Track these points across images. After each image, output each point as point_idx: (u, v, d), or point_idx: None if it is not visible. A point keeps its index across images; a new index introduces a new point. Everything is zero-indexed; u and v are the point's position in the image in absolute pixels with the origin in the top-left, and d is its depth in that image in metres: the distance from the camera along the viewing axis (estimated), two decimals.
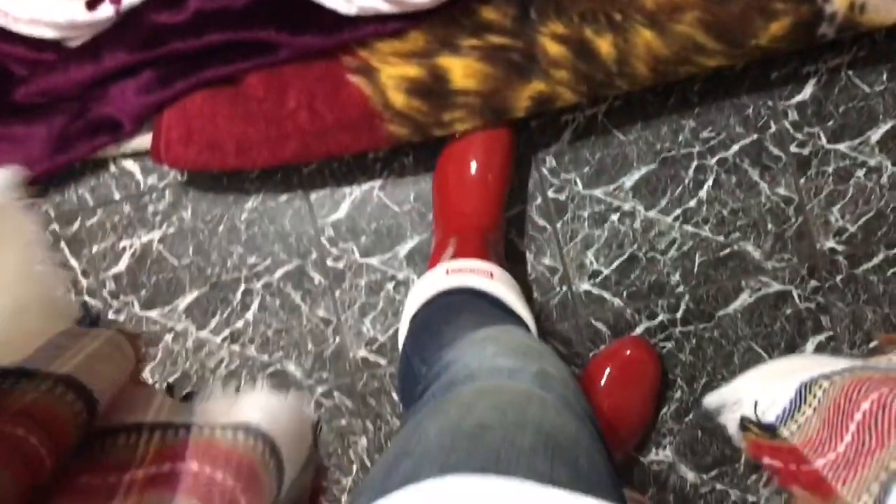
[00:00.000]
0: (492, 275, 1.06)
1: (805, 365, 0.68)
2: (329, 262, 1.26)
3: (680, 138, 1.24)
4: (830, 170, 1.24)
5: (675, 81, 1.16)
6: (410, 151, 1.25)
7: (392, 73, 1.10)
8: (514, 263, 1.24)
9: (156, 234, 1.27)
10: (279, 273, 1.27)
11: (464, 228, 1.15)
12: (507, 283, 1.07)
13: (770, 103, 1.24)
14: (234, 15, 1.09)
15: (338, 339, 1.26)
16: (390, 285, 1.26)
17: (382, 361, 1.26)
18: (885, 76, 1.24)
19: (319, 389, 1.26)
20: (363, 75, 1.10)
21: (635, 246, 1.24)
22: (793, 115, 1.24)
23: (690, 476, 1.25)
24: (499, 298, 1.03)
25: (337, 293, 1.26)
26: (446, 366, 0.72)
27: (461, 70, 1.08)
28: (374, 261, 1.26)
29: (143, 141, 1.17)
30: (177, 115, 1.12)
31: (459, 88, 1.09)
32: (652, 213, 1.24)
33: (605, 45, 1.09)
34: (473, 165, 1.16)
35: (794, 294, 1.24)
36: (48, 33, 1.08)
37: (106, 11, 1.08)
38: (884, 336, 1.13)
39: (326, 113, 1.12)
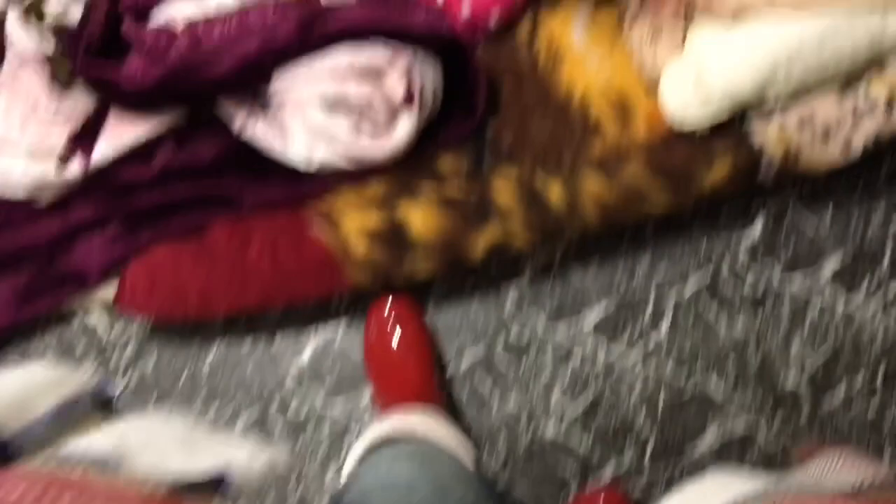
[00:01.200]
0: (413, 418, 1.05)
1: (725, 486, 0.68)
2: (292, 408, 1.26)
3: (636, 277, 1.27)
4: (786, 305, 1.26)
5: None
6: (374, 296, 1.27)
7: (353, 224, 1.13)
8: (477, 410, 1.24)
9: (119, 386, 1.26)
10: (241, 420, 1.26)
11: (394, 402, 1.16)
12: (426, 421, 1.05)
13: (722, 239, 1.28)
14: (201, 169, 1.14)
15: (300, 490, 1.24)
16: (354, 432, 1.25)
17: None
18: (830, 208, 1.28)
19: None
20: (325, 225, 1.14)
21: (598, 387, 1.25)
22: (745, 251, 1.27)
23: None
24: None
25: (299, 440, 1.25)
26: None
27: (420, 221, 1.12)
28: (336, 408, 1.25)
29: (108, 292, 1.18)
30: (141, 267, 1.14)
31: (418, 239, 1.12)
32: (613, 354, 1.26)
33: (555, 193, 1.14)
34: (389, 339, 1.19)
35: (760, 434, 1.23)
36: (19, 194, 1.12)
37: (75, 168, 1.12)
38: (800, 450, 1.13)
39: (289, 262, 1.15)
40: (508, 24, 1.23)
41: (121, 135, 1.13)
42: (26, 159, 1.12)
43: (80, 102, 1.14)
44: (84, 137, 1.13)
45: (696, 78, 1.11)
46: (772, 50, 1.08)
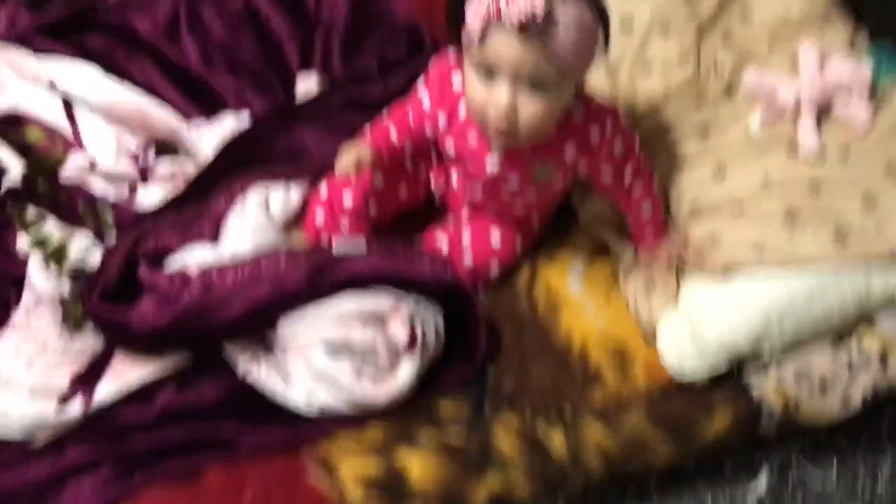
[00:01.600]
0: None
1: None
2: None
3: None
4: None
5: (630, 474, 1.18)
6: None
7: (351, 471, 1.11)
8: None
9: None
10: None
11: None
12: None
13: (727, 493, 1.24)
14: (199, 412, 1.13)
15: None
16: None
17: None
18: (835, 462, 1.27)
19: None
20: (322, 472, 1.11)
21: None
22: None
23: None
24: None
25: None
26: None
27: (418, 469, 1.10)
28: None
29: None
30: None
31: (417, 488, 1.10)
32: None
33: (556, 442, 1.13)
34: None
35: None
36: (15, 434, 1.11)
37: (75, 409, 1.12)
38: None
39: None
40: (508, 273, 1.28)
41: (124, 376, 1.13)
42: (27, 398, 1.12)
43: (87, 343, 1.16)
44: (87, 378, 1.13)
45: (692, 331, 1.14)
46: (764, 305, 1.12)
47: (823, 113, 1.24)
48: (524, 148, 1.11)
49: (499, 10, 0.94)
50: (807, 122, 1.22)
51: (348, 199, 1.25)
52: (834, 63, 1.25)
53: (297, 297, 1.11)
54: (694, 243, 1.19)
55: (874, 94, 1.24)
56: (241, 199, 1.24)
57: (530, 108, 1.01)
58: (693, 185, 1.24)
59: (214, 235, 1.22)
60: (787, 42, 1.31)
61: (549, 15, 0.94)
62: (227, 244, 1.20)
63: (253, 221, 1.21)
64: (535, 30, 0.95)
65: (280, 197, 1.27)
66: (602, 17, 1.01)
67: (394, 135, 1.19)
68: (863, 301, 1.14)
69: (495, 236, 1.25)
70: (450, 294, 1.18)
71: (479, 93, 1.02)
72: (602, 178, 1.16)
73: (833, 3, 1.33)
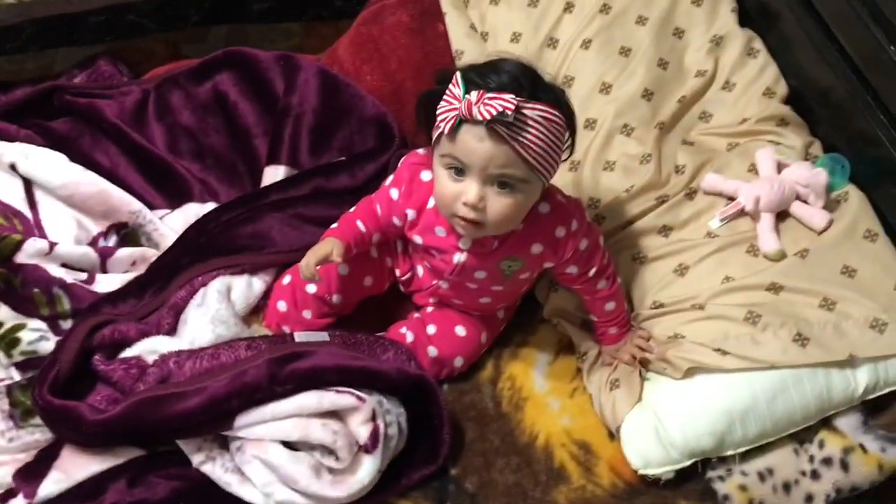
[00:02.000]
0: None
1: None
2: None
3: None
4: None
5: None
6: None
7: None
8: None
9: None
10: None
11: None
12: None
13: None
14: None
15: None
16: None
17: None
18: None
19: None
20: None
21: None
22: None
23: None
24: None
25: None
26: None
27: None
28: None
29: None
30: None
31: None
32: None
33: None
34: None
35: None
36: None
37: None
38: None
39: None
40: (472, 366, 1.27)
41: (72, 472, 1.08)
42: None
43: (34, 437, 1.12)
44: (32, 474, 1.08)
45: (656, 429, 1.14)
46: (727, 404, 1.12)
47: (782, 215, 1.28)
48: (491, 244, 1.12)
49: (470, 109, 0.96)
50: (766, 223, 1.25)
51: (312, 288, 1.24)
52: (791, 167, 1.29)
53: (257, 391, 1.07)
54: (657, 342, 1.19)
55: (829, 198, 1.28)
56: (202, 291, 1.22)
57: (498, 204, 1.02)
58: (655, 283, 1.26)
59: (173, 327, 1.20)
60: (745, 146, 1.36)
61: (518, 114, 0.96)
62: (185, 335, 1.17)
63: (213, 312, 1.19)
64: (504, 128, 0.97)
65: (242, 287, 1.25)
66: (569, 117, 1.04)
67: (362, 228, 1.19)
68: (823, 401, 1.15)
69: (461, 329, 1.24)
70: (413, 388, 1.16)
71: (449, 188, 1.03)
72: (567, 272, 1.17)
73: (788, 111, 1.39)
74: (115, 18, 1.81)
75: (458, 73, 1.00)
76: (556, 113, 1.01)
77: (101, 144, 1.42)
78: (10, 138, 1.38)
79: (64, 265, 1.27)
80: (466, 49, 1.47)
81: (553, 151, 1.02)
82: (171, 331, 1.20)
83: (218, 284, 1.23)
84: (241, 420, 1.08)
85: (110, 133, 1.43)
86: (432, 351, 1.24)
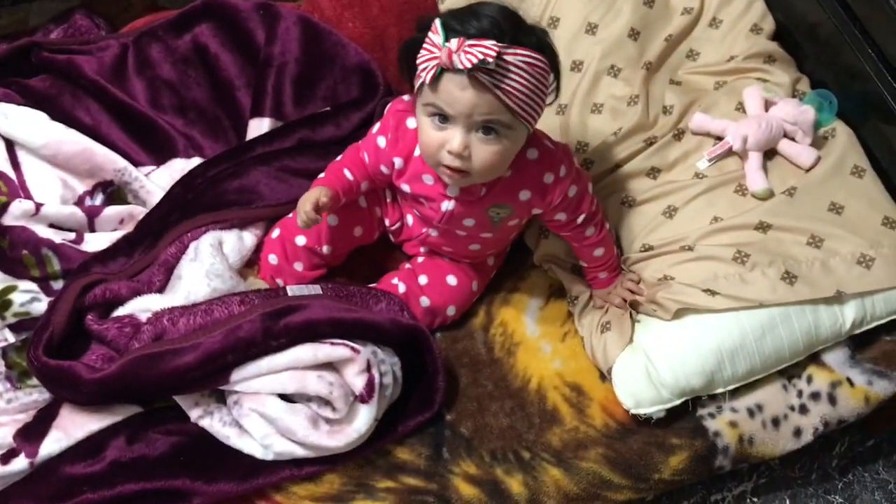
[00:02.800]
0: None
1: None
2: None
3: None
4: None
5: None
6: None
7: None
8: None
9: None
10: None
11: None
12: None
13: None
14: (150, 464, 1.10)
15: None
16: None
17: None
18: (787, 501, 1.28)
19: None
20: None
21: None
22: None
23: None
24: None
25: None
26: None
27: None
28: None
29: None
30: None
31: None
32: None
33: (515, 485, 1.12)
34: None
35: None
36: None
37: (20, 464, 1.08)
38: None
39: None
40: (465, 314, 1.28)
41: (71, 430, 1.10)
42: None
43: (32, 397, 1.13)
44: (32, 433, 1.09)
45: (647, 369, 1.15)
46: (716, 343, 1.14)
47: (769, 153, 1.27)
48: (479, 191, 1.11)
49: (450, 57, 0.95)
50: (753, 162, 1.25)
51: (301, 240, 1.24)
52: (779, 104, 1.28)
53: (252, 346, 1.08)
54: (647, 285, 1.20)
55: (816, 135, 1.28)
56: (194, 246, 1.21)
57: (483, 152, 1.01)
58: (644, 226, 1.26)
59: (165, 284, 1.20)
60: (733, 84, 1.35)
61: (500, 60, 0.95)
62: (180, 290, 1.17)
63: (207, 266, 1.19)
64: (486, 75, 0.95)
65: (233, 241, 1.25)
66: (552, 60, 1.03)
67: (349, 176, 1.19)
68: (812, 337, 1.16)
69: (452, 279, 1.25)
70: (407, 337, 1.17)
71: (433, 137, 1.03)
72: (556, 219, 1.17)
73: (775, 48, 1.37)
74: None
75: (437, 20, 0.98)
76: (539, 57, 0.99)
77: (82, 101, 1.39)
78: None
79: (52, 225, 1.27)
80: None
81: (537, 96, 1.01)
82: (163, 288, 1.20)
83: (210, 239, 1.22)
84: (237, 374, 1.09)
85: (91, 90, 1.40)
86: (424, 301, 1.24)
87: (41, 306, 1.20)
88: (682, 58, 1.40)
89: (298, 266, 1.25)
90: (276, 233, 1.26)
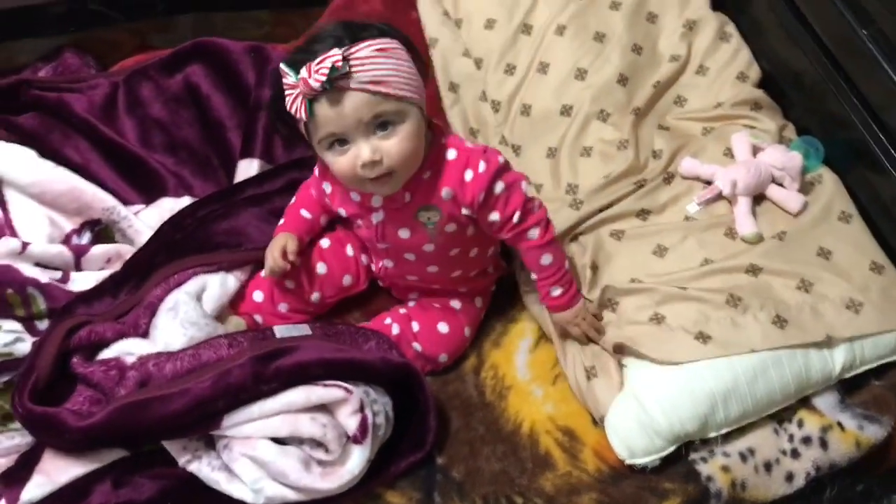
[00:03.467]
0: None
1: None
2: None
3: None
4: None
5: None
6: None
7: None
8: None
9: None
10: None
11: None
12: None
13: None
14: None
15: None
16: None
17: None
18: None
19: None
20: None
21: None
22: None
23: None
24: None
25: None
26: None
27: None
28: None
29: None
30: None
31: None
32: None
33: None
34: None
35: None
36: None
37: None
38: None
39: None
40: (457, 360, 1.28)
41: (55, 474, 1.07)
42: None
43: (15, 441, 1.10)
44: (13, 477, 1.07)
45: (639, 414, 1.15)
46: (710, 387, 1.14)
47: (758, 198, 1.29)
48: (402, 197, 1.12)
49: (307, 84, 0.98)
50: (743, 207, 1.27)
51: (291, 283, 1.24)
52: (767, 150, 1.31)
53: (242, 391, 1.06)
54: (629, 321, 1.20)
55: (804, 181, 1.30)
56: (174, 295, 1.19)
57: (391, 145, 1.04)
58: (633, 261, 1.26)
59: (149, 326, 1.18)
60: (721, 130, 1.37)
61: (353, 60, 0.99)
62: (158, 340, 1.15)
63: (182, 315, 1.17)
64: (347, 80, 0.99)
65: (216, 286, 1.23)
66: (402, 40, 1.06)
67: (307, 215, 1.23)
68: (802, 381, 1.17)
69: (443, 326, 1.25)
70: (398, 376, 1.16)
71: (343, 163, 1.05)
72: (490, 219, 1.14)
73: (762, 95, 1.40)
74: (76, 7, 1.77)
75: (281, 64, 1.02)
76: (385, 40, 1.02)
77: (72, 139, 1.39)
78: None
79: (37, 264, 1.25)
80: (440, 37, 1.46)
81: (405, 73, 1.03)
82: (147, 330, 1.18)
83: (189, 286, 1.20)
84: (227, 420, 1.07)
85: (80, 128, 1.40)
86: (417, 347, 1.24)
87: (25, 346, 1.18)
88: (670, 104, 1.43)
89: (283, 307, 1.24)
90: (265, 272, 1.24)
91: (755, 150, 1.32)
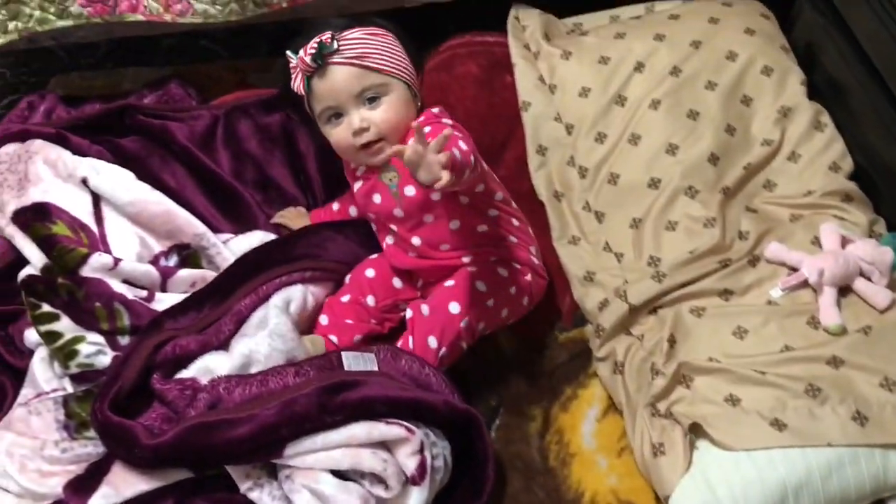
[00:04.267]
0: None
1: None
2: None
3: None
4: None
5: None
6: None
7: None
8: None
9: None
10: None
11: None
12: None
13: None
14: None
15: None
16: None
17: None
18: None
19: None
20: None
21: None
22: None
23: None
24: None
25: None
26: None
27: None
28: None
29: None
30: None
31: None
32: None
33: None
34: None
35: None
36: None
37: None
38: None
39: None
40: (519, 414, 1.26)
41: (121, 488, 1.08)
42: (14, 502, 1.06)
43: (87, 449, 1.12)
44: (82, 486, 1.08)
45: (707, 498, 1.11)
46: (782, 477, 1.10)
47: (844, 290, 1.27)
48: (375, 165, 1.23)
49: (303, 61, 1.17)
50: (828, 297, 1.24)
51: (346, 297, 1.30)
52: (857, 243, 1.29)
53: (307, 421, 1.07)
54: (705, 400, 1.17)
55: (893, 277, 1.28)
56: (264, 302, 1.23)
57: (378, 114, 1.19)
58: (712, 340, 1.24)
59: (234, 334, 1.21)
60: (809, 218, 1.35)
61: (344, 41, 1.17)
62: (242, 347, 1.18)
63: (271, 326, 1.20)
64: (337, 55, 1.16)
65: (299, 298, 1.26)
66: (391, 31, 1.23)
67: (335, 205, 1.42)
68: (879, 482, 1.13)
69: (448, 282, 1.25)
70: (460, 422, 1.15)
71: (338, 132, 1.21)
72: None
73: (853, 188, 1.39)
74: (188, 42, 1.87)
75: (287, 52, 1.20)
76: (377, 29, 1.21)
77: (170, 165, 1.44)
78: (83, 153, 1.41)
79: (125, 281, 1.29)
80: (534, 101, 1.48)
81: (391, 53, 1.21)
82: (230, 337, 1.21)
83: (276, 300, 1.23)
84: (290, 449, 1.08)
85: (179, 155, 1.45)
86: (425, 309, 1.23)
87: (105, 359, 1.21)
88: (760, 187, 1.42)
89: (348, 320, 1.29)
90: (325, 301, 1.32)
91: (844, 242, 1.30)
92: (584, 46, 1.53)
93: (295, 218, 1.44)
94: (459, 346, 1.24)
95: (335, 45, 1.16)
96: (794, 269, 1.30)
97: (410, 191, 1.22)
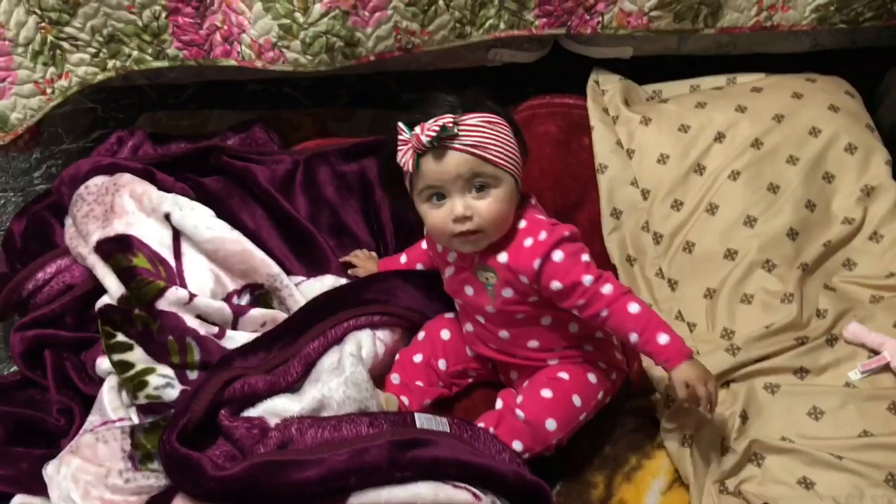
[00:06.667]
0: None
1: None
2: None
3: None
4: None
5: None
6: None
7: None
8: None
9: None
10: None
11: None
12: None
13: None
14: None
15: None
16: None
17: None
18: None
19: None
20: None
21: None
22: None
23: None
24: None
25: None
26: None
27: None
28: None
29: None
30: None
31: None
32: None
33: None
34: None
35: None
36: None
37: None
38: None
39: None
40: (583, 482, 1.24)
41: None
42: None
43: (150, 480, 1.13)
44: None
45: None
46: None
47: None
48: (472, 256, 1.18)
49: (419, 139, 1.10)
50: None
51: (418, 357, 1.29)
52: None
53: (376, 472, 1.06)
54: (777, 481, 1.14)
55: None
56: (336, 346, 1.24)
57: (483, 205, 1.13)
58: (786, 419, 1.21)
59: (302, 378, 1.22)
60: (890, 300, 1.32)
61: (462, 126, 1.10)
62: (315, 391, 1.18)
63: (347, 374, 1.20)
64: (453, 140, 1.10)
65: (369, 344, 1.27)
66: (506, 118, 1.17)
67: (403, 258, 1.40)
68: None
69: (546, 392, 1.20)
70: (528, 494, 1.13)
71: (437, 215, 1.15)
72: (552, 287, 1.12)
73: None
74: (272, 89, 1.92)
75: (399, 123, 1.13)
76: (495, 116, 1.14)
77: (249, 206, 1.47)
78: (167, 189, 1.45)
79: (198, 316, 1.31)
80: (611, 164, 1.49)
81: (506, 146, 1.14)
82: (299, 380, 1.22)
83: (349, 346, 1.24)
84: (355, 498, 1.07)
85: (259, 196, 1.48)
86: (520, 414, 1.19)
87: (173, 392, 1.23)
88: (839, 265, 1.39)
89: (419, 383, 1.28)
90: (397, 356, 1.32)
91: None
92: (664, 114, 1.53)
93: (365, 260, 1.45)
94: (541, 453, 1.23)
95: (455, 131, 1.09)
96: (874, 352, 1.26)
97: (508, 293, 1.18)
